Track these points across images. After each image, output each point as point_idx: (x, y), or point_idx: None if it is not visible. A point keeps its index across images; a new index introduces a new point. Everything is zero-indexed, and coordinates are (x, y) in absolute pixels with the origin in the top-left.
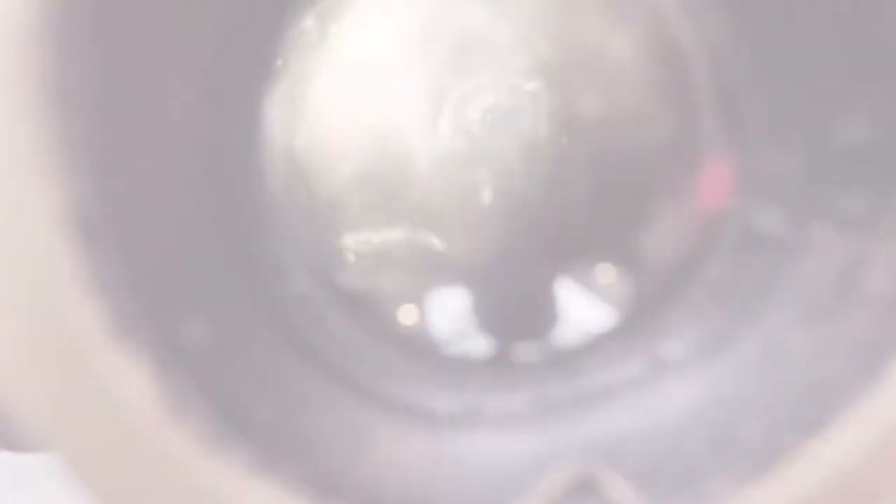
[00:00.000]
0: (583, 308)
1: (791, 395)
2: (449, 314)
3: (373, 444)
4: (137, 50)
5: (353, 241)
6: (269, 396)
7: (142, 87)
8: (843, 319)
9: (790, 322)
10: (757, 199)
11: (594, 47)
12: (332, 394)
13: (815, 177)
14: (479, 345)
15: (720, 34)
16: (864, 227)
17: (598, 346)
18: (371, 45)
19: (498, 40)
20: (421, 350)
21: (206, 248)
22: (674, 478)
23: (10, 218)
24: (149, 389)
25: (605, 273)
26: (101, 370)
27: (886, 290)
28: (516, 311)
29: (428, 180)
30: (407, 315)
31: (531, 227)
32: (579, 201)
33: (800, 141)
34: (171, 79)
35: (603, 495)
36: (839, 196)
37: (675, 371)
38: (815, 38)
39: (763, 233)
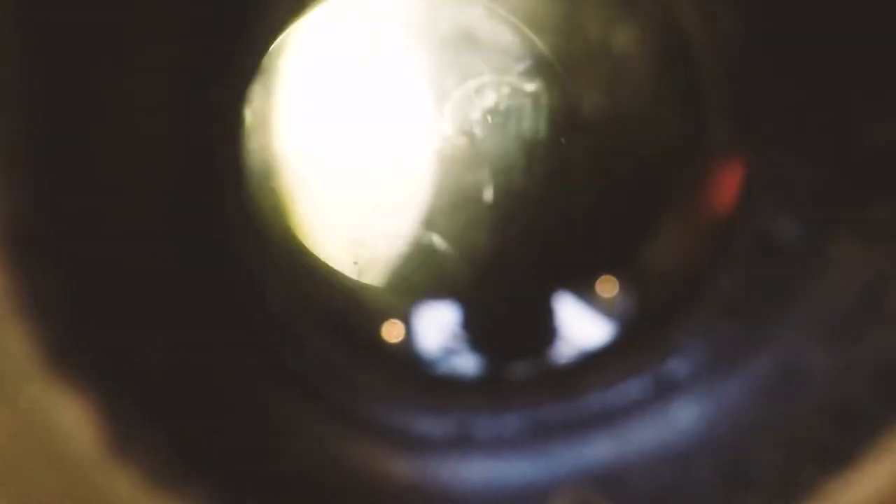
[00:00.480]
0: (582, 323)
1: (810, 423)
2: (437, 330)
3: (354, 474)
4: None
5: (341, 249)
6: (235, 426)
7: (99, 84)
8: (867, 339)
9: (808, 341)
10: (772, 206)
11: (597, 43)
12: (309, 420)
13: (837, 184)
14: (469, 363)
15: (732, 27)
16: (890, 240)
17: (598, 365)
18: (369, 45)
19: (499, 40)
20: (406, 370)
21: (171, 264)
22: None
23: None
24: (90, 423)
25: (607, 285)
26: (34, 402)
27: None
28: (510, 327)
29: (426, 181)
30: (391, 332)
31: (527, 234)
32: (579, 207)
33: (820, 145)
34: (134, 78)
35: None
36: (863, 205)
37: (681, 392)
38: (839, 32)
39: (778, 243)
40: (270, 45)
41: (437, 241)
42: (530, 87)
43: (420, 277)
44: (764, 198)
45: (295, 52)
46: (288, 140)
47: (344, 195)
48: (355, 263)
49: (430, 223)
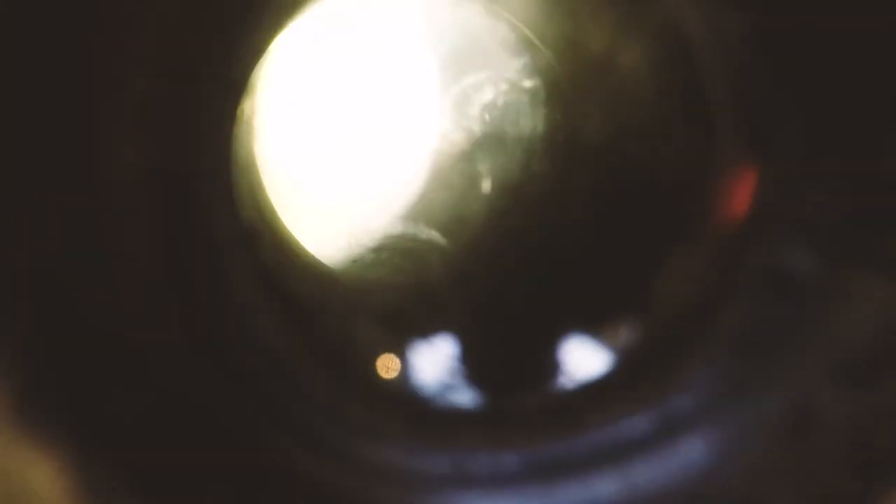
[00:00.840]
0: (584, 355)
1: (825, 468)
2: (433, 364)
3: None
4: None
5: (339, 247)
6: (221, 470)
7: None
8: (888, 382)
9: (823, 381)
10: (785, 237)
11: (599, 56)
12: (301, 459)
13: (857, 213)
14: (466, 398)
15: (743, 44)
16: None
17: (601, 400)
18: (368, 42)
19: (496, 38)
20: (402, 405)
21: (152, 297)
22: None
23: None
24: (61, 476)
25: (610, 316)
26: (1, 454)
27: None
28: (509, 359)
29: (424, 177)
30: (386, 366)
31: (525, 263)
32: (579, 235)
33: (839, 171)
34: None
35: None
36: (885, 237)
37: (687, 429)
38: (857, 51)
39: (792, 275)
40: (269, 42)
41: (435, 237)
42: (528, 84)
43: (416, 294)
44: (777, 227)
45: (293, 51)
46: (286, 138)
47: (342, 192)
48: (354, 262)
49: (427, 219)
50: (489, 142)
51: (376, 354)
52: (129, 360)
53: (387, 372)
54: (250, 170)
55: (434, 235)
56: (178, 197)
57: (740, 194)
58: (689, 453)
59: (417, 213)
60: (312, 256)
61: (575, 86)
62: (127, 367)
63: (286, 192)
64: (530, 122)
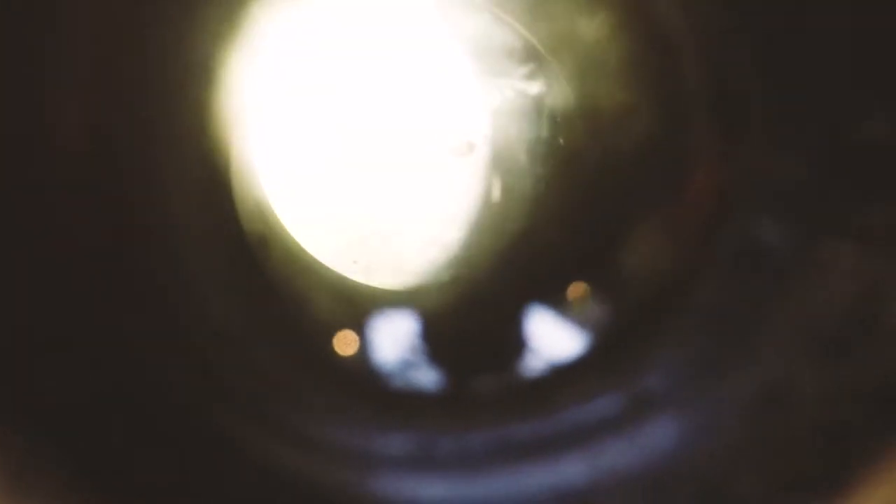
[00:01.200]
0: (552, 334)
1: (797, 446)
2: (394, 341)
3: (306, 498)
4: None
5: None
6: (169, 455)
7: None
8: (862, 355)
9: (795, 356)
10: (757, 208)
11: (563, 29)
12: (255, 441)
13: (829, 184)
14: (429, 377)
15: (714, 12)
16: (886, 246)
17: (570, 380)
18: (373, 46)
19: (502, 44)
20: (361, 384)
21: (99, 274)
22: None
23: None
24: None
25: (579, 293)
26: None
27: None
28: (474, 337)
29: (428, 182)
30: (344, 343)
31: (491, 237)
32: (549, 209)
33: (810, 140)
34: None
35: None
36: (857, 208)
37: (658, 409)
38: (828, 18)
39: (763, 248)
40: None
41: (440, 242)
42: (533, 90)
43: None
44: (747, 199)
45: (299, 54)
46: (289, 140)
47: (345, 195)
48: (355, 262)
49: (431, 224)
50: (498, 147)
51: (334, 330)
52: (75, 339)
53: (345, 349)
54: (249, 171)
55: (443, 240)
56: (125, 165)
57: (711, 169)
58: (660, 434)
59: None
60: (285, 233)
61: (580, 91)
62: (73, 346)
63: (288, 193)
64: (536, 126)
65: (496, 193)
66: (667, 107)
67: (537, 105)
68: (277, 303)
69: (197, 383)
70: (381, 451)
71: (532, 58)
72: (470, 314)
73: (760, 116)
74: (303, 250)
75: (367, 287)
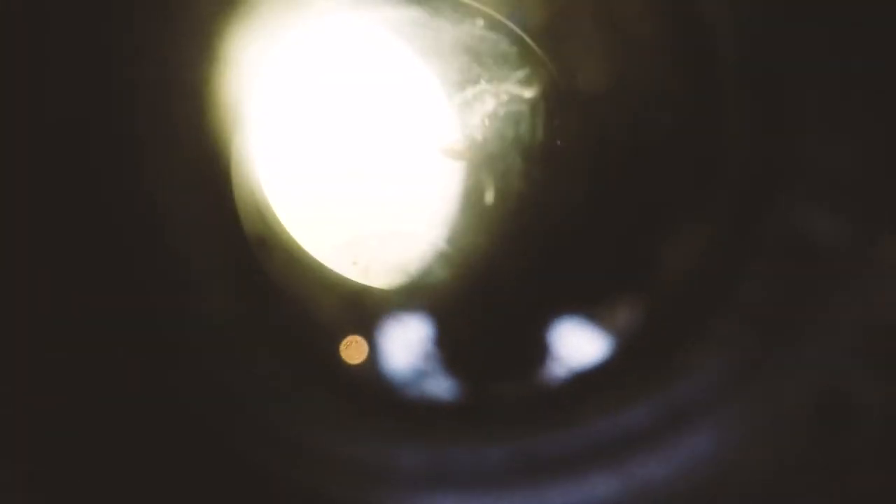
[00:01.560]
0: (578, 339)
1: (857, 464)
2: (405, 348)
3: None
4: None
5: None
6: (175, 466)
7: None
8: None
9: (853, 365)
10: (806, 198)
11: (598, 12)
12: (259, 453)
13: (885, 170)
14: (445, 386)
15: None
16: None
17: (597, 388)
18: (371, 51)
19: (497, 48)
20: (371, 394)
21: (98, 276)
22: None
23: None
24: None
25: (607, 294)
26: None
27: None
28: (493, 343)
29: (426, 185)
30: (352, 351)
31: (520, 237)
32: (573, 205)
33: (865, 124)
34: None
35: None
36: None
37: (695, 420)
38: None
39: (813, 243)
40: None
41: (436, 243)
42: (528, 93)
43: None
44: (796, 188)
45: (296, 58)
46: (289, 143)
47: (344, 198)
48: (355, 263)
49: (429, 226)
50: (491, 150)
51: (341, 337)
52: (76, 340)
53: (353, 357)
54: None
55: (439, 241)
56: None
57: (754, 155)
58: (698, 449)
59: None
60: (290, 238)
61: (576, 93)
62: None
63: (288, 201)
64: (530, 130)
65: (496, 194)
66: (698, 91)
67: (532, 107)
68: (280, 307)
69: (197, 390)
70: (391, 466)
71: (528, 60)
72: (486, 318)
73: (813, 101)
74: (303, 251)
75: (371, 288)
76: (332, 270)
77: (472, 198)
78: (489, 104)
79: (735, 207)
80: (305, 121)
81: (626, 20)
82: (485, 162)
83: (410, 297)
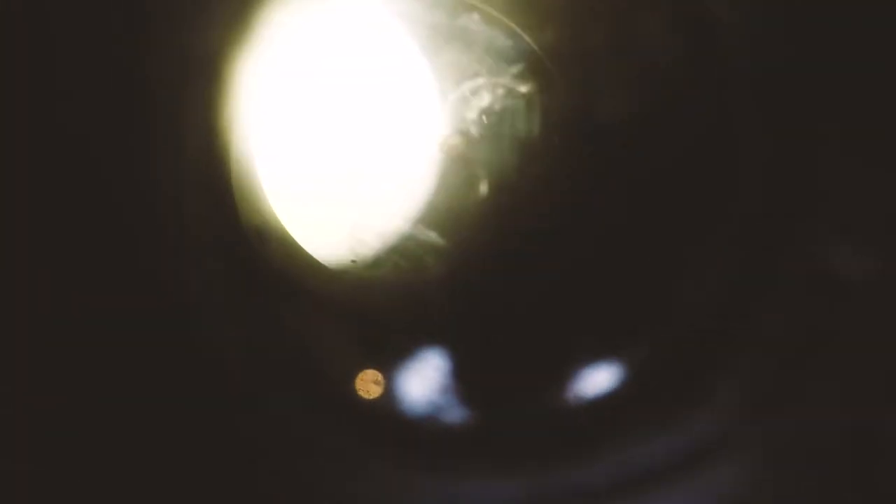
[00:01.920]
0: (594, 370)
1: (883, 500)
2: (422, 381)
3: None
4: None
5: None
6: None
7: None
8: None
9: (875, 394)
10: (831, 226)
11: (608, 27)
12: (265, 496)
13: None
14: (458, 418)
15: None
16: None
17: (613, 421)
18: (367, 45)
19: (494, 42)
20: (385, 430)
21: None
22: None
23: None
24: None
25: (624, 323)
26: None
27: None
28: (508, 374)
29: (422, 181)
30: (368, 385)
31: (529, 266)
32: (590, 234)
33: (890, 158)
34: None
35: None
36: None
37: (712, 454)
38: None
39: (838, 276)
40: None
41: (433, 240)
42: (524, 88)
43: (404, 300)
44: (821, 219)
45: (292, 52)
46: (285, 139)
47: (341, 196)
48: (353, 261)
49: (426, 223)
50: (487, 145)
51: (356, 371)
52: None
53: (368, 392)
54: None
55: (433, 237)
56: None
57: (776, 182)
58: (716, 482)
59: (417, 215)
60: (308, 256)
61: (572, 87)
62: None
63: (285, 195)
64: (527, 125)
65: (496, 194)
66: (710, 110)
67: (528, 102)
68: (290, 341)
69: (204, 423)
70: (399, 501)
71: (524, 55)
72: (503, 350)
73: (834, 119)
74: (300, 247)
75: (373, 299)
76: (329, 267)
77: (470, 194)
78: (485, 99)
79: (754, 233)
80: (299, 115)
81: (629, 18)
82: (486, 158)
83: (426, 327)
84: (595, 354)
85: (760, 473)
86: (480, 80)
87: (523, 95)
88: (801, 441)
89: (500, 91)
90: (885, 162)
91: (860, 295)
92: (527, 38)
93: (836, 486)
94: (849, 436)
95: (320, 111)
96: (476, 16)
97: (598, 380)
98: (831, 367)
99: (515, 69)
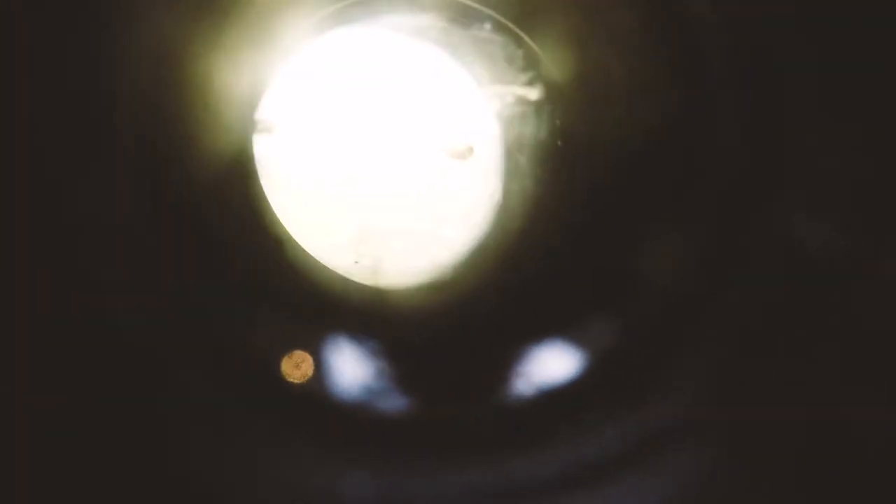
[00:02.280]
0: (548, 355)
1: (848, 487)
2: (357, 364)
3: None
4: None
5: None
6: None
7: None
8: None
9: (851, 385)
10: (801, 205)
11: (587, 13)
12: (185, 488)
13: (882, 178)
14: (399, 405)
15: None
16: None
17: (568, 409)
18: (375, 52)
19: (503, 51)
20: (317, 416)
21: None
22: None
23: None
24: None
25: (580, 307)
26: None
27: None
28: (454, 359)
29: (429, 187)
30: (295, 367)
31: (489, 243)
32: (550, 212)
33: (865, 127)
34: None
35: None
36: None
37: (674, 443)
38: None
39: (807, 252)
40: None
41: (436, 242)
42: (533, 95)
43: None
44: (789, 194)
45: (302, 60)
46: (293, 142)
47: (348, 197)
48: (356, 262)
49: (432, 226)
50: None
51: (284, 352)
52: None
53: (297, 374)
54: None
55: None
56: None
57: (742, 157)
58: (675, 470)
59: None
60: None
61: (577, 95)
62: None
63: (294, 196)
64: (535, 131)
65: (496, 196)
66: (684, 87)
67: (536, 109)
68: (215, 323)
69: (121, 409)
70: (338, 495)
71: (532, 63)
72: (448, 333)
73: (808, 96)
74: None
75: (329, 292)
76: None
77: (476, 198)
78: (495, 106)
79: (720, 216)
80: (311, 122)
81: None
82: (489, 163)
83: (362, 307)
84: (549, 341)
85: (718, 461)
86: (490, 88)
87: (532, 102)
88: (762, 427)
89: (510, 98)
90: (853, 141)
91: (825, 273)
92: (535, 47)
93: (798, 475)
94: (813, 420)
95: (331, 119)
96: (487, 24)
97: (551, 367)
98: (794, 350)
99: (524, 77)
